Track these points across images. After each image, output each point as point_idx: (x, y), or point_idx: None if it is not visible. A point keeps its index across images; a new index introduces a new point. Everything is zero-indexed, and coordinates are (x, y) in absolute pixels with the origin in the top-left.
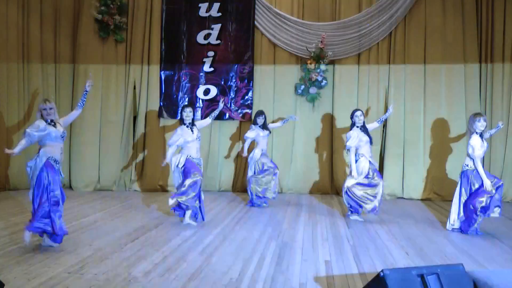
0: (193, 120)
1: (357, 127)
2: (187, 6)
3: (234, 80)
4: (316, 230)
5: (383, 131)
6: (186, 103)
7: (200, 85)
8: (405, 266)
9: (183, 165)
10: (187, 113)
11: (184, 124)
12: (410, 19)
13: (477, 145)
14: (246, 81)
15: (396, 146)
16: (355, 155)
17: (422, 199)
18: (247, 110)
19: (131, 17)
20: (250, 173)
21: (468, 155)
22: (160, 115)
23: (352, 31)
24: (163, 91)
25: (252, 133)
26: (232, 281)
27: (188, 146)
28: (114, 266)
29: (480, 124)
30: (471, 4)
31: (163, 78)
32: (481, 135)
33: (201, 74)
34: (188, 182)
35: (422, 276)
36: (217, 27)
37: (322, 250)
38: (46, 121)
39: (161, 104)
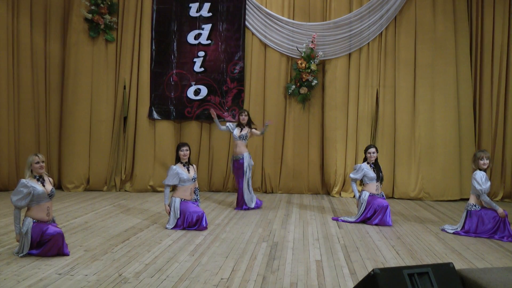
0: (189, 159)
1: (368, 163)
2: (177, 6)
3: (224, 80)
4: (307, 230)
5: (373, 131)
6: (183, 141)
7: (191, 85)
8: (396, 265)
9: (179, 211)
10: (184, 152)
11: (181, 163)
12: (401, 19)
13: (482, 179)
14: (236, 81)
15: (386, 146)
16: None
17: (413, 199)
18: (238, 111)
19: (122, 16)
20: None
21: (474, 191)
22: (150, 115)
23: (343, 31)
24: (153, 91)
25: (228, 124)
26: (223, 281)
27: (182, 187)
28: (105, 267)
29: (483, 163)
30: (462, 4)
31: (153, 78)
32: (484, 171)
33: (191, 74)
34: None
35: (412, 275)
36: (207, 27)
37: (313, 250)
38: (35, 176)
39: (151, 104)
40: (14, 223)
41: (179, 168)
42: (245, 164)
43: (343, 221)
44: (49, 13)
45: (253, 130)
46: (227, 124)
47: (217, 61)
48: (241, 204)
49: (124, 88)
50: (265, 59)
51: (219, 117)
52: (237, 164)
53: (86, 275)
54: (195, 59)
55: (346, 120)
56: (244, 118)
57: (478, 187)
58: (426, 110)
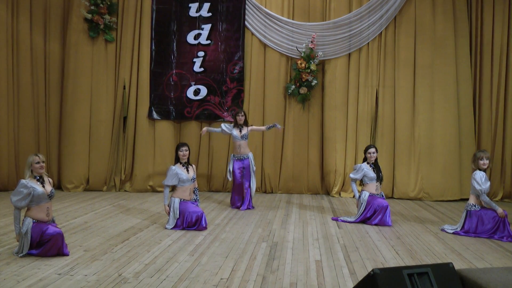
0: (188, 159)
1: (368, 163)
2: (177, 6)
3: (224, 80)
4: (307, 230)
5: (373, 131)
6: (182, 141)
7: (191, 85)
8: (395, 265)
9: (178, 211)
10: (184, 152)
11: (180, 163)
12: (401, 19)
13: (482, 179)
14: (236, 81)
15: (386, 146)
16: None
17: (412, 199)
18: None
19: (121, 16)
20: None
21: (474, 191)
22: (149, 115)
23: (343, 31)
24: (153, 91)
25: (223, 126)
26: (223, 281)
27: (182, 187)
28: (105, 267)
29: (482, 163)
30: (462, 4)
31: (153, 78)
32: (484, 171)
33: (191, 74)
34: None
35: (412, 275)
36: (207, 27)
37: (313, 250)
38: (35, 177)
39: (151, 104)
40: (14, 223)
41: (178, 169)
42: (253, 163)
43: (342, 221)
44: (49, 13)
45: (254, 126)
46: (222, 125)
47: (216, 61)
48: (248, 203)
49: (124, 88)
50: (264, 59)
51: (218, 117)
52: (241, 164)
53: (86, 275)
54: (194, 59)
55: (346, 120)
56: (241, 119)
57: (477, 187)
58: (425, 110)
